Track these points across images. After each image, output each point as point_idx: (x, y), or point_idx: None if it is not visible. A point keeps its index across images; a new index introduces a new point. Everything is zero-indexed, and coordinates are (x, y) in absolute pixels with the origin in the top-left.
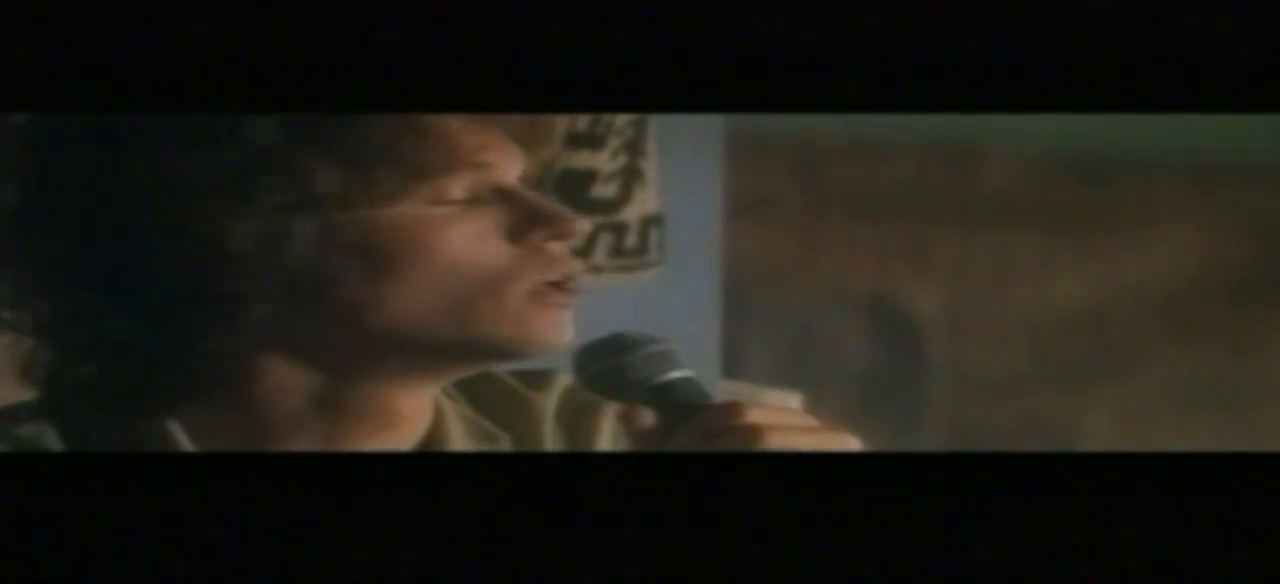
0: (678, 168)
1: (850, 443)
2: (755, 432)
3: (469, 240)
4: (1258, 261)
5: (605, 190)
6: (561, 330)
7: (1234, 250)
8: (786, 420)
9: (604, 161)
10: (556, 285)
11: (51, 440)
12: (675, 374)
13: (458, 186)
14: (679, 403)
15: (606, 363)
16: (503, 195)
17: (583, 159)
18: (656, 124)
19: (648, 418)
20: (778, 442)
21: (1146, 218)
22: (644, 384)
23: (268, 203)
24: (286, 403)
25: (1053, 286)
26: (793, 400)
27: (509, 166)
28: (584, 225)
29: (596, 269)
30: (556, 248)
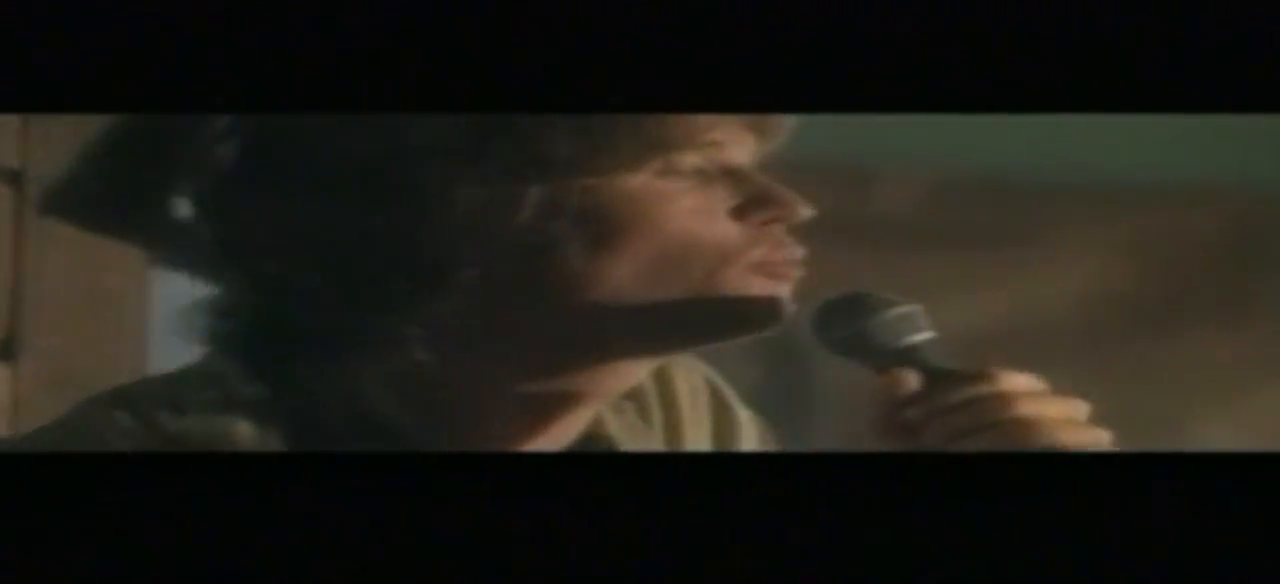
0: None
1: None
2: (1006, 400)
3: (694, 215)
4: (1150, 285)
5: None
6: (778, 309)
7: (1127, 274)
8: (1036, 389)
9: None
10: (776, 265)
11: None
12: (920, 336)
13: (689, 161)
14: (928, 367)
15: (850, 327)
16: (731, 175)
17: None
18: None
19: (911, 381)
20: (1032, 410)
21: (1037, 239)
22: (889, 347)
23: (496, 167)
24: (498, 376)
25: (941, 309)
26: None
27: (738, 148)
28: (807, 211)
29: None
30: (778, 230)
